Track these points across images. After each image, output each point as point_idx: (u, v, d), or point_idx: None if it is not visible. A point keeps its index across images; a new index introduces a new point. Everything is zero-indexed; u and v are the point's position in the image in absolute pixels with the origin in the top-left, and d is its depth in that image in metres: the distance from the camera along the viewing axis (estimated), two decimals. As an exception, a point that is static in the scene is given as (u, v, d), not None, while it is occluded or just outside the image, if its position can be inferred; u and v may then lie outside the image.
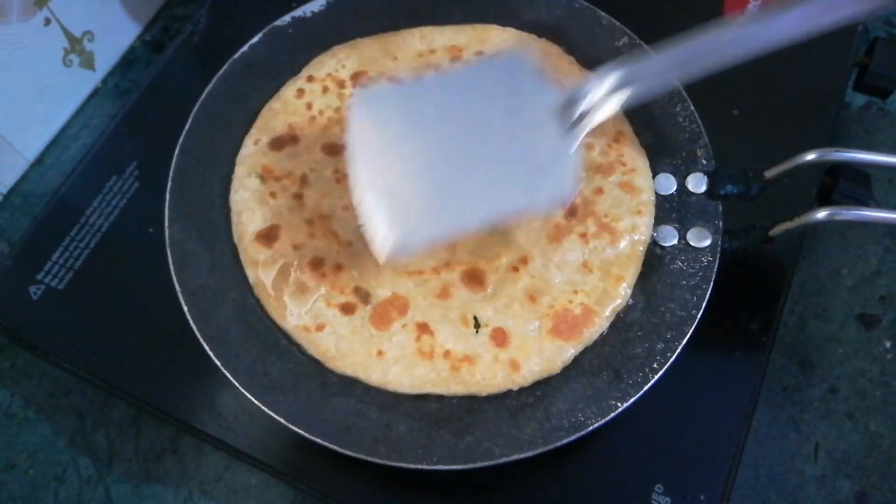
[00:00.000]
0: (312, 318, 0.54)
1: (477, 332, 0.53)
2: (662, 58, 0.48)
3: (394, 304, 0.54)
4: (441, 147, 0.51)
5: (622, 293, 0.54)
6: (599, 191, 0.57)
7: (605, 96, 0.49)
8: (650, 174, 0.58)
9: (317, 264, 0.55)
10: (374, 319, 0.53)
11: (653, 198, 0.57)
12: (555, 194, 0.50)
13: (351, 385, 0.52)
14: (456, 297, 0.54)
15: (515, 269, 0.55)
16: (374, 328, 0.53)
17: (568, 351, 0.52)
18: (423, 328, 0.53)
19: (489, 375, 0.51)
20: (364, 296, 0.54)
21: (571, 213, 0.56)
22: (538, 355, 0.52)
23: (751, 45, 0.45)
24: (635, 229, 0.55)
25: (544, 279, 0.54)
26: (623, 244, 0.55)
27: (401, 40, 0.64)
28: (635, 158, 0.58)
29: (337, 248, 0.56)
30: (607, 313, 0.53)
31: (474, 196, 0.49)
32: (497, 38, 0.64)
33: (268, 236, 0.56)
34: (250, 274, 0.55)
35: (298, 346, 0.53)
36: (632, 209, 0.56)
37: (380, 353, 0.52)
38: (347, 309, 0.54)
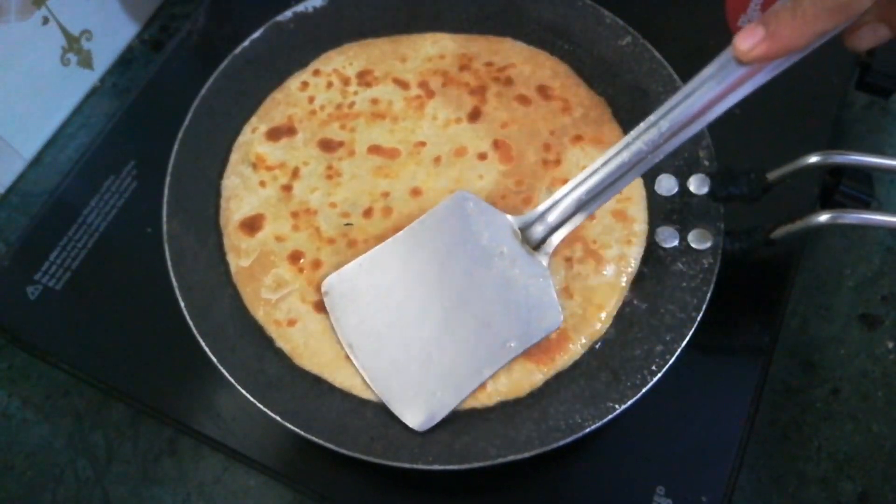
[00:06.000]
0: (285, 313, 0.54)
1: None
2: (608, 171, 0.48)
3: None
4: (425, 312, 0.52)
5: (601, 322, 0.53)
6: (591, 216, 0.56)
7: (563, 220, 0.50)
8: (645, 204, 0.57)
9: (296, 258, 0.55)
10: None
11: (645, 229, 0.56)
12: (545, 323, 0.51)
13: None
14: None
15: None
16: None
17: (536, 375, 0.52)
18: None
19: None
20: None
21: None
22: (506, 376, 0.51)
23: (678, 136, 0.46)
24: (623, 259, 0.55)
25: None
26: (608, 273, 0.54)
27: (412, 43, 0.64)
28: (632, 187, 0.57)
29: (318, 244, 0.56)
30: (583, 341, 0.53)
31: (475, 352, 0.51)
32: (509, 49, 0.63)
33: (252, 225, 0.56)
34: (231, 261, 0.56)
35: (271, 340, 0.53)
36: (622, 238, 0.55)
37: (348, 356, 0.52)
38: (321, 307, 0.54)
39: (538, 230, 0.51)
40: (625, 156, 0.47)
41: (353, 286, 0.53)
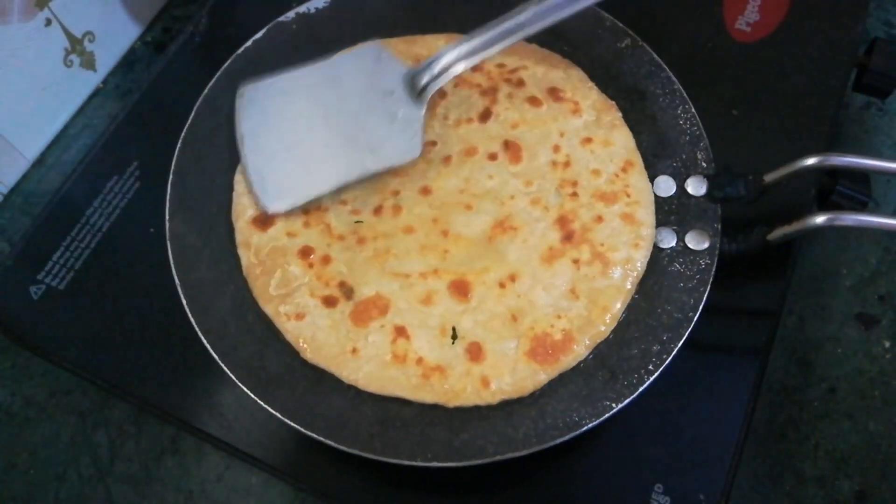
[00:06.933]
0: (294, 307, 0.54)
1: (453, 342, 0.53)
2: (487, 36, 0.57)
3: (375, 304, 0.54)
4: (313, 124, 0.59)
5: (605, 324, 0.54)
6: (599, 219, 0.56)
7: (443, 69, 0.57)
8: (653, 209, 0.57)
9: (306, 253, 0.56)
10: (353, 316, 0.54)
11: (653, 233, 0.56)
12: (407, 155, 0.58)
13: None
14: (439, 304, 0.54)
15: (502, 286, 0.55)
16: (353, 324, 0.54)
17: (540, 375, 0.52)
18: (401, 331, 0.53)
19: (459, 388, 0.52)
20: (348, 291, 0.55)
21: (567, 237, 0.56)
22: (510, 375, 0.52)
23: (539, 23, 0.56)
24: (629, 262, 0.55)
25: (529, 299, 0.54)
26: (615, 275, 0.55)
27: (426, 43, 0.64)
28: (641, 191, 0.58)
29: (328, 240, 0.56)
30: (587, 342, 0.53)
31: (336, 162, 0.58)
32: (522, 51, 0.64)
33: (264, 221, 0.57)
34: (242, 255, 0.56)
35: (281, 334, 0.54)
36: (629, 242, 0.56)
37: (354, 350, 0.53)
38: (329, 302, 0.54)
39: (424, 78, 0.58)
40: (507, 24, 0.56)
41: (263, 94, 0.60)
